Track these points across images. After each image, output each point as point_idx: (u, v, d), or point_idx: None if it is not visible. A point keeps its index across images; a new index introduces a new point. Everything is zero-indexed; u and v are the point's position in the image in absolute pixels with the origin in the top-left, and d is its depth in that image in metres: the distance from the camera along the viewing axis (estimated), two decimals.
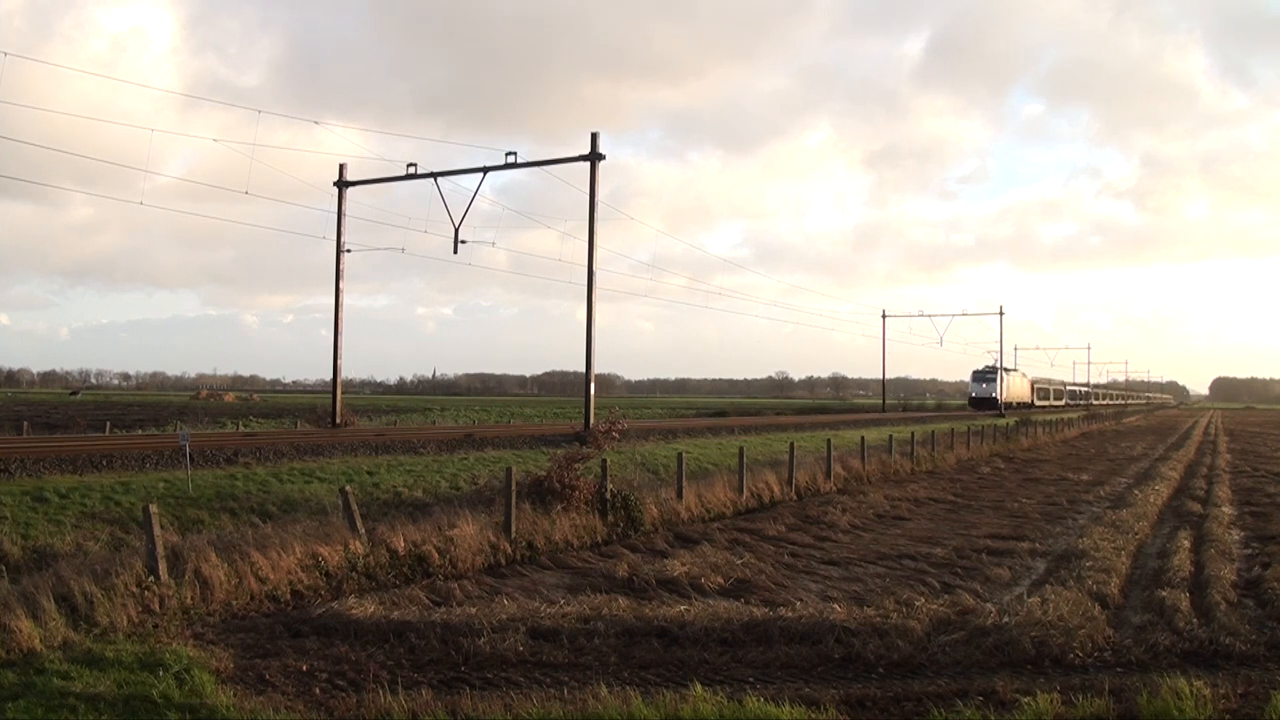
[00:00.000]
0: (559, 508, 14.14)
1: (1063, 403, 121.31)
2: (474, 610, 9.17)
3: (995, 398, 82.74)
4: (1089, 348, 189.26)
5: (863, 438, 28.44)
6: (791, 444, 22.18)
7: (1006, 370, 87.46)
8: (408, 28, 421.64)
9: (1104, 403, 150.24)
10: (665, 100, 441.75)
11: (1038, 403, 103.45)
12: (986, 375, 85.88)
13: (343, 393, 34.27)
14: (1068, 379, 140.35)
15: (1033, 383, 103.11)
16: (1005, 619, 8.62)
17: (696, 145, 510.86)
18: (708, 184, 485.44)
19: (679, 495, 17.01)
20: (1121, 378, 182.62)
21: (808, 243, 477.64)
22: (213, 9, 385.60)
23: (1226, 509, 18.53)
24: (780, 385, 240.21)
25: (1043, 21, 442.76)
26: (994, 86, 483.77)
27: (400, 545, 11.45)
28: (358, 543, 11.18)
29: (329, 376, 34.79)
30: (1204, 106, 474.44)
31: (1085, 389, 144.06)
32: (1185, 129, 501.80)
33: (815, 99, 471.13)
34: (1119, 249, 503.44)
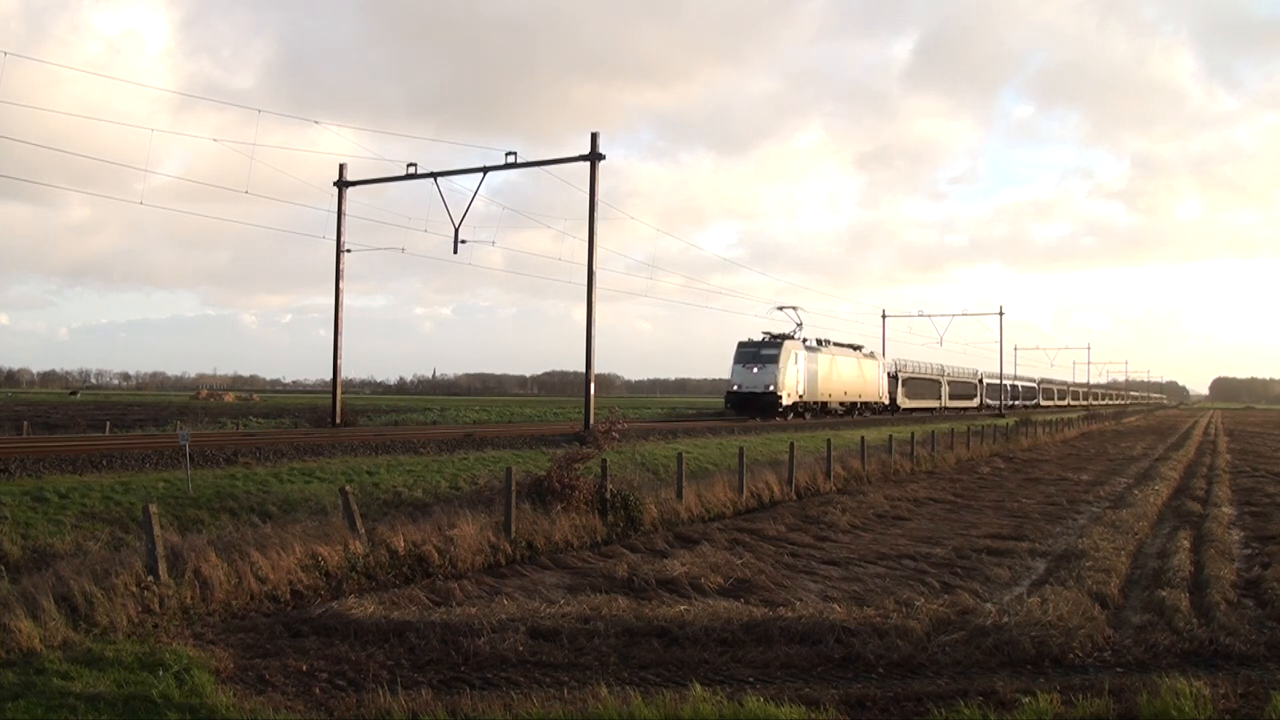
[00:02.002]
0: (559, 508, 14.14)
1: (975, 403, 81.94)
2: (474, 610, 9.17)
3: (772, 391, 44.81)
4: (1089, 348, 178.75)
5: (863, 438, 28.44)
6: (791, 444, 22.18)
7: (816, 346, 51.04)
8: (398, 31, 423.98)
9: (1064, 403, 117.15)
10: (654, 102, 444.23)
11: (911, 403, 66.32)
12: (761, 353, 46.27)
13: (342, 393, 34.27)
14: (1008, 371, 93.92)
15: (898, 372, 65.00)
16: (1005, 619, 8.62)
17: (688, 147, 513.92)
18: (700, 185, 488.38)
19: (679, 495, 17.01)
20: (1122, 378, 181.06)
21: (802, 243, 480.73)
22: (206, 12, 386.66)
23: (1226, 509, 18.53)
24: None
25: (1030, 25, 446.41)
26: (983, 88, 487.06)
27: (400, 545, 11.44)
28: (358, 543, 11.18)
29: (328, 376, 34.84)
30: (1193, 108, 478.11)
31: (1033, 384, 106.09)
32: (1175, 130, 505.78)
33: (805, 101, 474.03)
34: (1113, 249, 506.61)
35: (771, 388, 45.06)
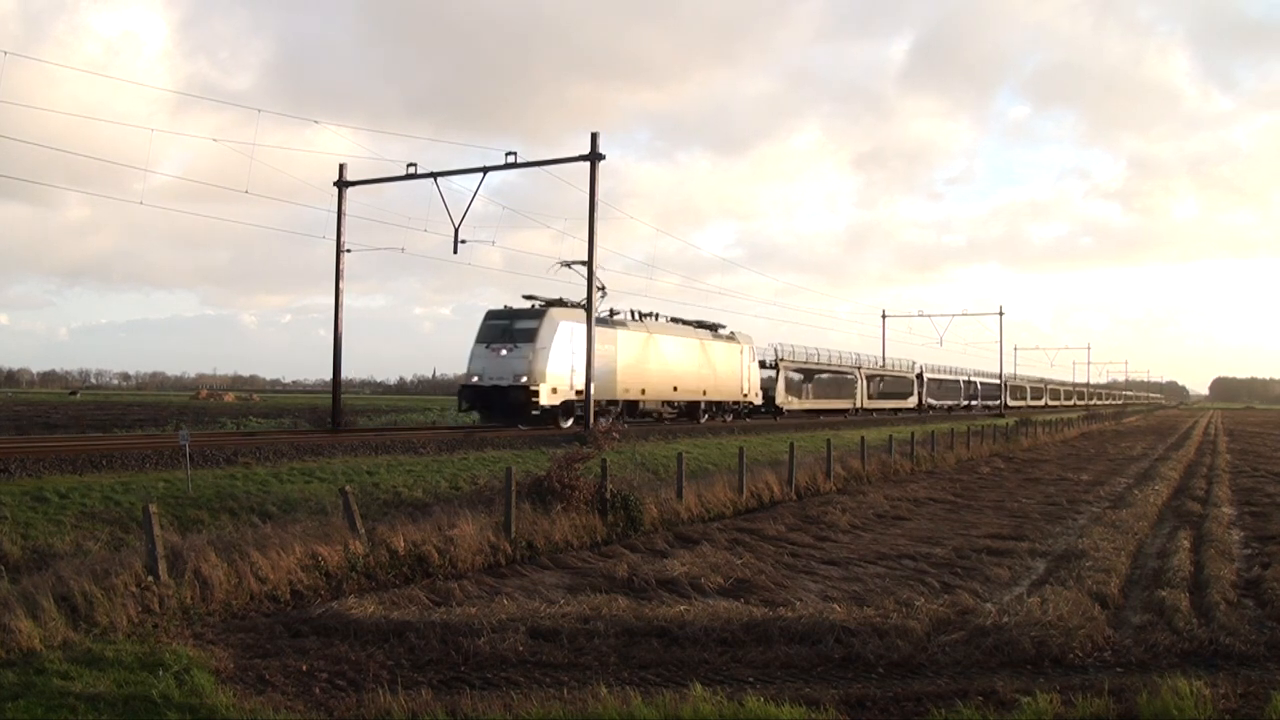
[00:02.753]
0: (559, 508, 14.14)
1: (911, 404, 68.04)
2: (474, 610, 9.17)
3: (524, 385, 28.98)
4: (1089, 348, 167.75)
5: (863, 438, 28.44)
6: (791, 444, 22.17)
7: (622, 321, 34.91)
8: (396, 31, 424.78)
9: (1040, 404, 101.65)
10: (651, 103, 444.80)
11: (801, 403, 53.10)
12: (514, 328, 30.45)
13: (342, 392, 34.25)
14: (960, 364, 78.33)
15: (779, 361, 49.52)
16: (1005, 619, 8.62)
17: (685, 147, 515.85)
18: (698, 185, 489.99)
19: (679, 495, 17.01)
20: (1122, 377, 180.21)
21: (800, 243, 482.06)
22: (204, 13, 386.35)
23: (1226, 509, 18.54)
24: None
25: (1025, 26, 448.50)
26: (979, 89, 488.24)
27: (400, 545, 11.45)
28: (358, 543, 11.18)
29: (328, 376, 34.76)
30: (1189, 108, 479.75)
31: (995, 382, 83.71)
32: (1171, 130, 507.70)
33: (802, 101, 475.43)
34: (1110, 249, 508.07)
35: (524, 379, 29.21)
